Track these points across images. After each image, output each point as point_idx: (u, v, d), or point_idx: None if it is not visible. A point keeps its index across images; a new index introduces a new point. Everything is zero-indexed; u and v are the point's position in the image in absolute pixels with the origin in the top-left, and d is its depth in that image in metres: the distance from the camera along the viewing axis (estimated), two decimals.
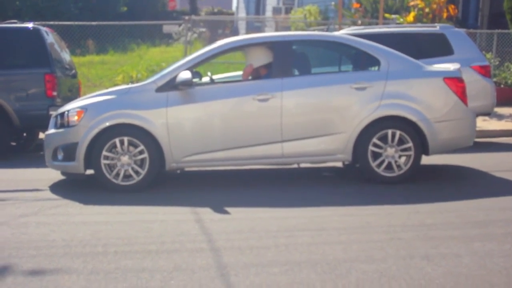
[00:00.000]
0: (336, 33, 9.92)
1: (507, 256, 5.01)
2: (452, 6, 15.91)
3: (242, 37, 8.35)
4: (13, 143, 11.00)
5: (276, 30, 22.85)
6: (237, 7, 39.59)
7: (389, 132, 7.58)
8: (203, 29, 24.55)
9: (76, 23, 17.73)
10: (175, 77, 7.51)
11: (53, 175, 8.28)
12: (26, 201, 7.14)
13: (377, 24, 16.57)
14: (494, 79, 14.60)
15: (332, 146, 7.62)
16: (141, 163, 7.46)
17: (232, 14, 40.16)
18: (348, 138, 7.59)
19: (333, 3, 22.44)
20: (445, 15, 15.43)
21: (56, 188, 7.85)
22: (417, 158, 7.65)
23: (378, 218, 6.16)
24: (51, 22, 15.68)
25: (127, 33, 19.68)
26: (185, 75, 7.42)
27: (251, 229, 5.84)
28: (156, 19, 24.31)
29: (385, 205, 6.65)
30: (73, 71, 11.93)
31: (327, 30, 17.71)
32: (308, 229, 5.80)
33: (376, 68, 7.80)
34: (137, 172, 7.45)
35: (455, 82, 7.78)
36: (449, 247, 5.22)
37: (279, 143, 7.57)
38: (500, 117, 13.59)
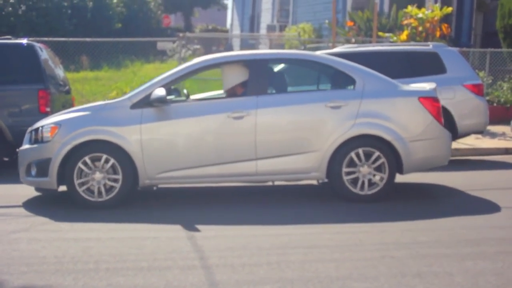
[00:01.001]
0: (317, 52, 9.90)
1: (499, 274, 5.02)
2: (445, 25, 15.98)
3: (218, 55, 8.30)
4: (6, 159, 10.97)
5: (270, 47, 22.93)
6: (232, 24, 39.76)
7: (363, 150, 7.55)
8: (198, 46, 24.64)
9: (71, 39, 17.73)
10: (149, 94, 7.50)
11: (44, 191, 8.23)
12: (18, 217, 7.11)
13: (370, 42, 16.65)
14: (487, 98, 14.64)
15: (307, 164, 7.61)
16: (114, 179, 7.44)
17: (227, 31, 40.37)
18: (323, 157, 7.57)
19: (327, 21, 22.54)
20: (438, 33, 15.49)
21: (48, 204, 7.81)
22: (391, 177, 7.62)
23: (370, 235, 6.16)
24: (45, 38, 15.69)
25: (121, 49, 19.72)
26: (160, 92, 7.40)
27: (243, 246, 5.83)
28: (151, 36, 24.39)
29: (377, 223, 6.66)
30: (67, 87, 11.93)
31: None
32: (301, 247, 5.79)
33: (352, 87, 7.80)
34: (111, 187, 7.42)
35: (430, 101, 7.78)
36: (441, 265, 5.22)
37: (253, 160, 7.54)
38: (493, 135, 13.64)
